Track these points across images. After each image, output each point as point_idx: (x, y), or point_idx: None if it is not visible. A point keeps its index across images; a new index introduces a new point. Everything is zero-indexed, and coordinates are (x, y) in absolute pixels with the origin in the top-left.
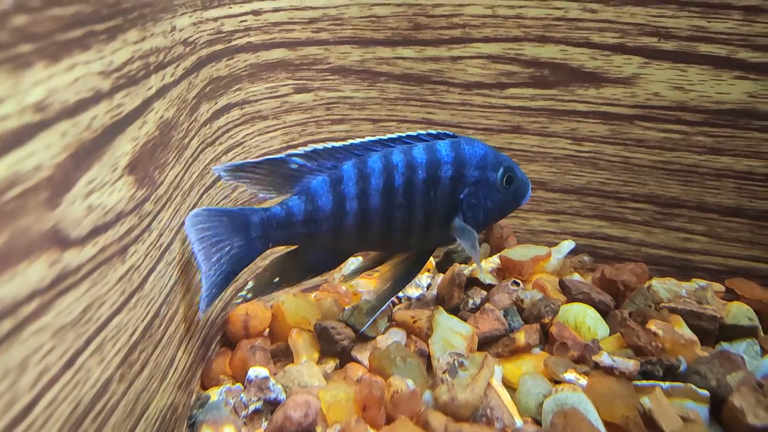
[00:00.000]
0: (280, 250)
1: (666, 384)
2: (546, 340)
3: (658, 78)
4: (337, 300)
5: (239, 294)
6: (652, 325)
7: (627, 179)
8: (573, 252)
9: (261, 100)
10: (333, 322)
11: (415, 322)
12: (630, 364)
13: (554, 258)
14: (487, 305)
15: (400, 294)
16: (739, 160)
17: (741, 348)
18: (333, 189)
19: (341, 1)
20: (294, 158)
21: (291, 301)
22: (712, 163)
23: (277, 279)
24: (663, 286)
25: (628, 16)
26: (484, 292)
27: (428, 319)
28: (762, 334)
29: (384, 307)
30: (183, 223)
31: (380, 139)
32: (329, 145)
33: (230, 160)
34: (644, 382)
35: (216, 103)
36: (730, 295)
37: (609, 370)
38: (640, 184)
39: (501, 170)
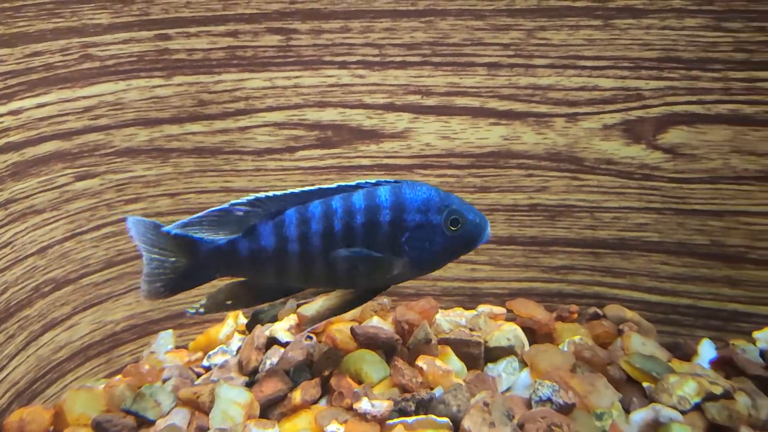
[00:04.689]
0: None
1: (412, 419)
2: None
3: (427, 130)
4: (133, 384)
5: (193, 306)
6: (420, 361)
7: None
8: None
9: (33, 195)
10: (113, 413)
11: (198, 397)
12: (384, 406)
13: None
14: (271, 367)
15: (205, 363)
16: (505, 195)
17: (501, 367)
18: (276, 231)
19: (118, 87)
20: (237, 207)
21: (73, 397)
22: (484, 200)
23: (229, 302)
24: (445, 319)
25: (393, 78)
26: (283, 350)
27: (210, 393)
28: (526, 348)
29: (318, 324)
30: None
31: (320, 189)
32: (270, 194)
33: None
34: (396, 420)
35: None
36: (512, 315)
37: (363, 416)
38: None
39: (445, 213)
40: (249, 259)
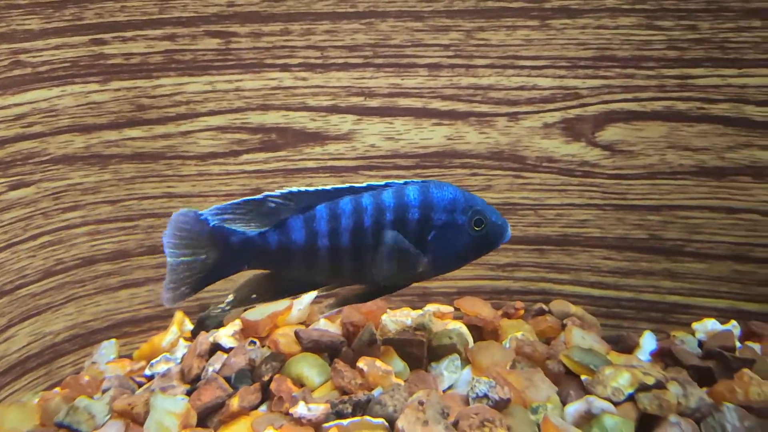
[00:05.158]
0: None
1: (347, 421)
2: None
3: (371, 131)
4: (69, 396)
5: (219, 305)
6: (361, 362)
7: None
8: (324, 297)
9: None
10: (45, 428)
11: (132, 408)
12: (320, 409)
13: (295, 309)
14: (212, 374)
15: (148, 372)
16: None
17: (443, 365)
18: (306, 225)
19: (51, 93)
20: (271, 199)
21: (3, 412)
22: None
23: (254, 295)
24: (391, 320)
25: (335, 80)
26: (226, 356)
27: (145, 403)
28: (471, 346)
29: (334, 312)
30: None
31: (351, 186)
32: (303, 188)
33: None
34: (331, 423)
35: None
36: (459, 313)
37: (298, 420)
38: None
39: (470, 213)
40: (279, 252)
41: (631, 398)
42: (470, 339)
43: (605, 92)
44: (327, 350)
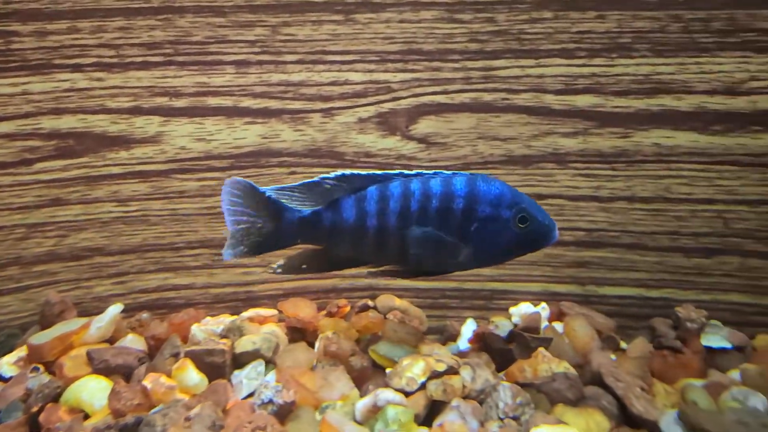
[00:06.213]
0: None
1: None
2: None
3: (180, 133)
4: None
5: (271, 266)
6: (146, 380)
7: (179, 230)
8: (138, 310)
9: None
10: None
11: None
12: None
13: (94, 327)
14: None
15: None
16: None
17: (245, 372)
18: (357, 205)
19: None
20: (326, 180)
21: None
22: None
23: (304, 266)
24: (200, 329)
25: (136, 80)
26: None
27: None
28: (286, 346)
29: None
30: None
31: (401, 172)
32: (355, 172)
33: None
34: None
35: None
36: (281, 316)
37: None
38: (193, 232)
39: (515, 210)
40: (330, 229)
41: (423, 387)
42: (283, 342)
43: (415, 85)
44: (121, 370)
